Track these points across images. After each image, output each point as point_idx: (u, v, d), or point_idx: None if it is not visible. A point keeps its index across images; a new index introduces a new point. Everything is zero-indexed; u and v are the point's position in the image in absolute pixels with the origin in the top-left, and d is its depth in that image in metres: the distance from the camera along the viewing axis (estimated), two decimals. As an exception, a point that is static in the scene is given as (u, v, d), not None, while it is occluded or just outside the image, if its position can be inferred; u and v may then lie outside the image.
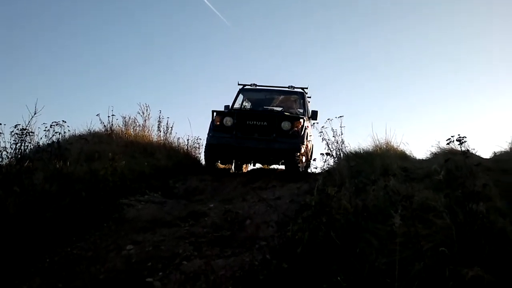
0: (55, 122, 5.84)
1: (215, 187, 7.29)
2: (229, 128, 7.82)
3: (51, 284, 4.00)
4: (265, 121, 7.76)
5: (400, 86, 25.49)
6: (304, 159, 7.84)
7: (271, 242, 4.41)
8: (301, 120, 7.79)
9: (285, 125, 7.68)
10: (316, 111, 9.29)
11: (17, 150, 5.40)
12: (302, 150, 7.62)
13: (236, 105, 9.39)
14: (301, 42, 26.51)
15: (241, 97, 9.68)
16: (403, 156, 6.28)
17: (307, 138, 8.11)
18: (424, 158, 6.10)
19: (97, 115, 9.44)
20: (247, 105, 9.75)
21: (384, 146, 6.50)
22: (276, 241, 4.35)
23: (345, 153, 6.47)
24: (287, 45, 26.70)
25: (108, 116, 9.34)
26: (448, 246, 3.35)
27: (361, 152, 6.55)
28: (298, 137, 7.66)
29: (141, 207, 5.86)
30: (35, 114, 5.79)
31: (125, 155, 7.41)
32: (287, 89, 9.67)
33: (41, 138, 5.87)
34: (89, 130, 8.91)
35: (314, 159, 6.38)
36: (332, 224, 3.61)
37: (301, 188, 6.52)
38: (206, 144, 8.04)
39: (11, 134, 5.37)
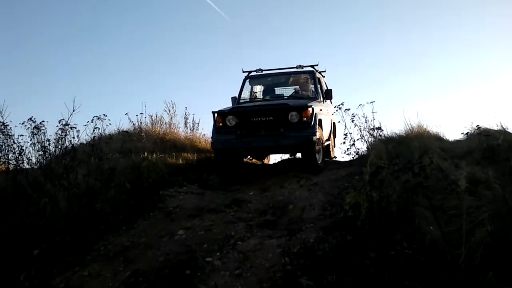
0: (96, 116, 5.99)
1: (249, 178, 7.36)
2: (233, 128, 7.08)
3: (110, 269, 4.12)
4: (270, 116, 6.94)
5: (422, 63, 24.57)
6: (319, 148, 7.22)
7: (320, 223, 4.48)
8: (310, 109, 6.94)
9: (293, 117, 6.88)
10: (330, 90, 8.71)
11: (62, 145, 5.55)
12: (315, 140, 6.89)
13: (243, 95, 8.83)
14: (306, 26, 25.97)
15: (247, 85, 9.07)
16: (438, 138, 6.32)
17: (320, 125, 7.39)
18: (459, 139, 6.13)
19: (126, 114, 9.58)
20: (257, 92, 9.17)
21: (417, 129, 6.54)
22: (325, 222, 4.42)
23: (379, 138, 6.49)
24: (293, 31, 26.21)
25: (136, 115, 9.47)
26: (503, 216, 3.45)
27: (395, 136, 6.59)
28: (309, 127, 6.87)
29: (182, 197, 5.97)
30: (73, 111, 5.95)
31: (158, 151, 7.55)
32: (295, 69, 8.88)
33: (82, 132, 6.01)
34: (118, 129, 9.06)
35: (342, 142, 6.35)
36: (386, 199, 3.69)
37: (338, 173, 6.58)
38: (212, 148, 7.52)
39: (56, 128, 5.53)
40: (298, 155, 7.95)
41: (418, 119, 6.73)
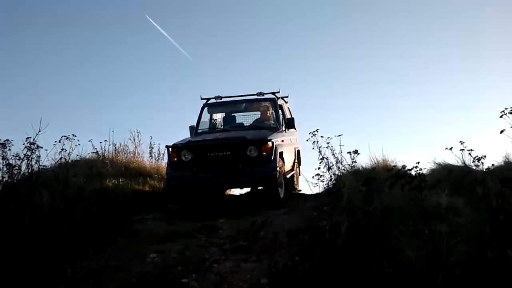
0: (64, 136, 5.84)
1: (216, 208, 7.31)
2: (188, 163, 6.75)
3: (80, 290, 3.96)
4: (227, 151, 6.63)
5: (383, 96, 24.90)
6: (281, 181, 6.99)
7: (295, 247, 4.49)
8: (269, 143, 6.64)
9: (252, 151, 6.60)
10: (292, 119, 8.53)
11: (28, 164, 5.37)
12: (277, 175, 6.64)
13: (202, 126, 8.51)
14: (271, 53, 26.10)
15: (206, 114, 8.75)
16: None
17: (281, 157, 7.14)
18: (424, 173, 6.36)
19: (89, 140, 9.39)
20: (217, 120, 8.85)
21: (382, 163, 6.74)
22: (300, 246, 4.44)
23: (346, 170, 6.65)
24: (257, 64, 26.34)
25: (100, 142, 9.31)
26: (476, 238, 3.59)
27: (361, 169, 6.76)
28: (270, 162, 6.59)
29: (150, 223, 5.89)
30: (39, 131, 5.79)
31: (124, 177, 7.44)
32: (256, 96, 8.61)
33: (50, 151, 5.82)
34: (80, 155, 8.85)
35: (315, 174, 6.38)
36: (358, 224, 3.77)
37: (306, 205, 6.66)
38: (166, 184, 7.25)
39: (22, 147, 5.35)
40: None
41: (383, 154, 6.95)
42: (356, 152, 6.17)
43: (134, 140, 9.95)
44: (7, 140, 5.29)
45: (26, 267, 4.30)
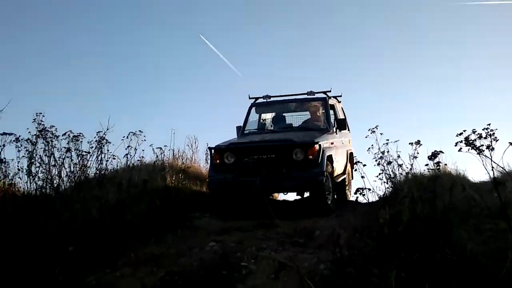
0: (132, 132, 6.14)
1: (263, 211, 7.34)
2: (231, 166, 6.49)
3: (144, 271, 4.14)
4: (272, 153, 6.33)
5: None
6: (329, 186, 6.66)
7: (352, 243, 4.49)
8: (316, 146, 6.28)
9: (298, 154, 6.26)
10: (344, 119, 8.12)
11: (98, 158, 5.70)
12: (324, 180, 6.31)
13: (249, 126, 8.20)
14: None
15: (253, 113, 8.42)
16: (464, 177, 6.39)
17: (330, 160, 6.79)
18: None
19: (150, 145, 9.73)
20: (266, 120, 8.59)
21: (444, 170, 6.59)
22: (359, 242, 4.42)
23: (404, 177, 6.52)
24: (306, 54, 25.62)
25: (160, 148, 9.63)
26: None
27: (419, 176, 6.65)
28: (316, 166, 6.22)
29: (207, 220, 6.03)
30: (107, 129, 6.12)
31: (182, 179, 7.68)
32: (306, 96, 8.21)
33: (118, 147, 6.13)
34: (139, 161, 9.19)
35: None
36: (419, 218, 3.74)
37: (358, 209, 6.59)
38: (208, 187, 7.08)
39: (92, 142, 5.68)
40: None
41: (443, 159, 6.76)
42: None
43: (191, 146, 10.21)
44: (80, 133, 5.63)
45: (92, 251, 4.55)
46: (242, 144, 6.82)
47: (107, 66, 21.15)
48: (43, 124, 5.40)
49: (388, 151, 5.03)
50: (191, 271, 3.91)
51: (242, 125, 8.16)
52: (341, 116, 8.51)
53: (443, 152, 3.26)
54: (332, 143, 7.14)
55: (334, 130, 7.65)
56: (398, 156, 5.12)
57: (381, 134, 5.57)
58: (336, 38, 24.98)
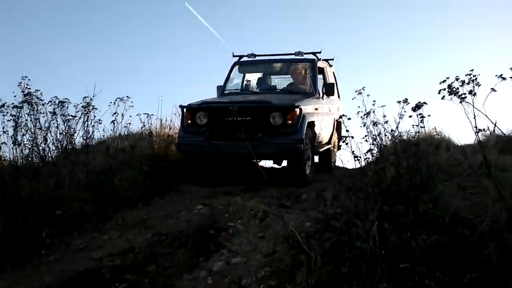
0: (119, 97, 6.05)
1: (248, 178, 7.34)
2: (203, 128, 5.92)
3: (131, 233, 4.17)
4: (247, 116, 5.68)
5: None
6: (309, 155, 6.11)
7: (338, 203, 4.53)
8: (297, 109, 5.70)
9: (275, 118, 5.69)
10: (332, 84, 7.33)
11: (85, 123, 5.65)
12: (303, 148, 5.68)
13: (232, 86, 7.55)
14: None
15: (236, 73, 7.74)
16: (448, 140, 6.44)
17: (311, 127, 6.22)
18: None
19: (137, 114, 9.64)
20: (251, 81, 7.80)
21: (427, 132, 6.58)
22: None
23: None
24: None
25: (146, 114, 9.54)
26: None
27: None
28: (295, 132, 5.64)
29: (194, 186, 6.03)
30: (93, 96, 6.04)
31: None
32: (294, 56, 7.46)
33: (105, 113, 6.05)
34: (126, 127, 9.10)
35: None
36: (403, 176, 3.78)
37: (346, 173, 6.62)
38: (176, 149, 6.48)
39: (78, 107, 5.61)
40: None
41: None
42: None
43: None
44: (66, 99, 5.54)
45: (80, 216, 4.56)
46: (216, 103, 6.28)
47: (94, 34, 20.46)
48: (29, 88, 5.30)
49: (373, 111, 4.83)
50: (179, 231, 3.94)
51: (223, 84, 7.55)
52: (331, 81, 7.86)
53: (426, 104, 3.25)
54: (316, 109, 6.59)
55: (321, 96, 7.06)
56: (384, 116, 4.90)
57: (368, 95, 5.05)
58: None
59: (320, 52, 7.49)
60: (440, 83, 2.97)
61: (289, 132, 5.65)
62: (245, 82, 7.79)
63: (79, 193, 4.84)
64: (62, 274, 3.50)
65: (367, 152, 3.45)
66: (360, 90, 4.71)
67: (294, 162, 5.87)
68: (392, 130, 4.37)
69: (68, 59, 19.23)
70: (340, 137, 7.89)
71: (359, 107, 4.38)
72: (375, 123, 4.61)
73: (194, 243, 3.68)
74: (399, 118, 4.52)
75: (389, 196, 3.25)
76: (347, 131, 3.53)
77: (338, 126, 8.06)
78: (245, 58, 7.74)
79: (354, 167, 4.60)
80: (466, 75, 2.84)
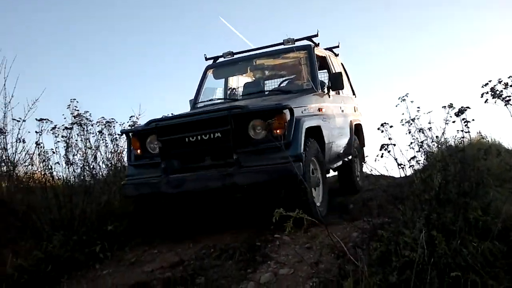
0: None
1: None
2: (157, 157, 4.40)
3: (181, 246, 4.26)
4: (216, 131, 4.12)
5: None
6: (316, 177, 4.60)
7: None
8: (286, 112, 4.08)
9: (256, 129, 4.13)
10: (338, 74, 5.55)
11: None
12: (302, 169, 3.87)
13: (206, 95, 6.08)
14: None
15: (210, 79, 6.19)
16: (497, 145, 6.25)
17: (316, 136, 4.66)
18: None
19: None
20: (235, 89, 6.34)
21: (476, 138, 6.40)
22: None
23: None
24: None
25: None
26: None
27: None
28: (288, 147, 3.95)
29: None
30: (139, 115, 6.27)
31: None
32: (283, 46, 5.74)
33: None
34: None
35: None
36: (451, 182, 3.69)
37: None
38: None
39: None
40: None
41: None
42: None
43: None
44: (113, 119, 5.78)
45: (130, 231, 4.69)
46: (169, 120, 4.51)
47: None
48: (78, 110, 5.57)
49: (418, 118, 4.60)
50: (226, 244, 4.00)
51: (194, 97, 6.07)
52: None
53: (469, 108, 3.17)
54: (320, 110, 4.99)
55: (325, 91, 5.45)
56: (430, 123, 4.67)
57: (411, 102, 4.46)
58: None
59: (316, 35, 5.71)
60: (482, 87, 2.91)
61: (278, 147, 3.73)
62: (229, 89, 6.33)
63: (129, 210, 5.01)
64: (116, 287, 3.61)
65: (411, 159, 3.34)
66: (403, 96, 4.54)
67: (293, 191, 3.97)
68: (437, 137, 4.26)
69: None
70: (362, 144, 6.88)
71: (403, 114, 4.31)
72: (420, 130, 4.53)
73: (241, 255, 3.72)
74: (445, 123, 4.45)
75: (437, 203, 3.19)
76: (389, 139, 3.40)
77: (357, 130, 6.69)
78: (221, 60, 6.23)
79: (400, 176, 4.02)
80: (509, 77, 2.77)
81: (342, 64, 6.83)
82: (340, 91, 6.09)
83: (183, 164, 4.39)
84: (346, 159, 5.89)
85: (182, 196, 4.47)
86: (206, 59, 6.25)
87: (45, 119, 4.92)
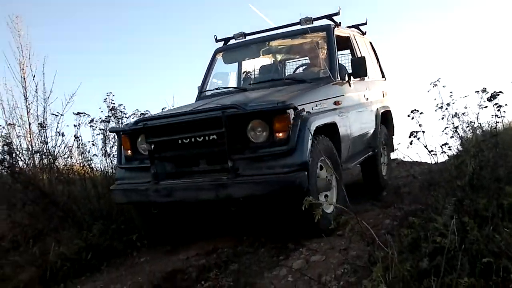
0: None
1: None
2: (146, 160, 3.95)
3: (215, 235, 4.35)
4: (210, 133, 3.67)
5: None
6: (327, 183, 3.95)
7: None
8: (289, 113, 3.53)
9: (256, 132, 3.62)
10: (361, 59, 4.84)
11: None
12: (306, 178, 3.43)
13: (215, 82, 5.54)
14: None
15: (220, 63, 5.60)
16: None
17: (333, 132, 4.17)
18: None
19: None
20: (250, 73, 5.71)
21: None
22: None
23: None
24: None
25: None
26: None
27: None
28: (291, 153, 3.46)
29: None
30: (173, 106, 6.38)
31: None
32: (300, 26, 5.03)
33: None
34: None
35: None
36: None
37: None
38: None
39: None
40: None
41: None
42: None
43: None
44: (147, 111, 5.90)
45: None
46: (159, 119, 4.00)
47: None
48: (114, 103, 5.73)
49: (453, 103, 4.40)
50: (258, 232, 4.08)
51: (204, 82, 5.53)
52: (364, 55, 5.35)
53: (502, 93, 3.09)
54: (337, 103, 4.44)
55: (346, 80, 4.84)
56: (465, 108, 4.48)
57: (444, 86, 4.22)
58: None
59: (337, 14, 5.06)
60: (515, 71, 2.84)
61: (282, 153, 3.43)
62: (244, 75, 5.72)
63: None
64: (153, 274, 3.74)
65: (443, 145, 3.30)
66: (435, 82, 4.28)
67: (295, 203, 3.11)
68: (471, 122, 4.17)
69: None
70: (392, 133, 6.21)
71: (435, 99, 4.19)
72: (455, 115, 4.44)
73: (274, 242, 3.79)
74: (479, 108, 4.34)
75: (470, 190, 3.16)
76: (420, 125, 3.30)
77: (386, 118, 6.02)
78: (232, 42, 5.63)
79: (435, 162, 3.87)
80: (541, 60, 2.69)
81: (370, 43, 6.20)
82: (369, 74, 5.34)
83: (177, 167, 3.94)
84: (369, 154, 5.23)
85: (175, 205, 4.09)
86: (217, 40, 5.67)
87: (82, 113, 5.09)
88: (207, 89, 5.42)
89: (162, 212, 4.12)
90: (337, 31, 5.07)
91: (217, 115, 3.56)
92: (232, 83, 5.73)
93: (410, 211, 3.59)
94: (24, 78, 7.87)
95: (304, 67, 5.51)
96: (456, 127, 4.30)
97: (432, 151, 3.28)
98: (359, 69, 4.73)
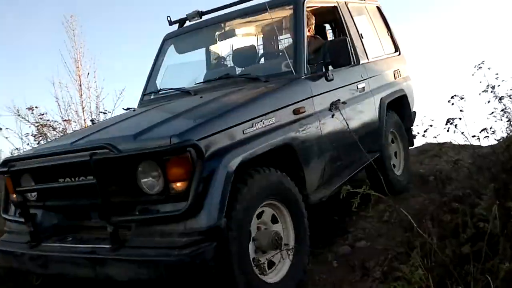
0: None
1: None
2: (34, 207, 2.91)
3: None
4: (83, 179, 2.56)
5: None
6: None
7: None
8: (191, 152, 2.26)
9: (149, 176, 2.38)
10: (340, 43, 3.52)
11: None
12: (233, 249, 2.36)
13: (160, 79, 4.31)
14: None
15: (172, 53, 4.38)
16: None
17: (303, 166, 3.10)
18: None
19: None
20: (219, 59, 4.47)
21: None
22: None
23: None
24: None
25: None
26: None
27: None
28: (193, 215, 2.26)
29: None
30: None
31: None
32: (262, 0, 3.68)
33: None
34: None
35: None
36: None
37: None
38: None
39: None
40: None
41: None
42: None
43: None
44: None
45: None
46: (24, 160, 2.92)
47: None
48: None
49: (498, 85, 4.12)
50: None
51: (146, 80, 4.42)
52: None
53: (542, 76, 3.01)
54: (297, 111, 3.19)
55: (322, 72, 3.53)
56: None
57: (488, 68, 3.74)
58: None
59: None
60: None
61: (176, 214, 2.28)
62: (214, 61, 4.47)
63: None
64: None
65: (482, 131, 3.26)
66: (480, 64, 3.71)
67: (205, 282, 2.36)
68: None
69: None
70: (410, 121, 4.92)
71: (480, 82, 3.98)
72: (501, 98, 4.31)
73: (319, 229, 3.89)
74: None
75: (515, 174, 3.13)
76: (461, 110, 3.12)
77: (400, 105, 4.75)
78: (187, 23, 4.35)
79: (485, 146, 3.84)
80: None
81: (378, 8, 4.82)
82: (368, 53, 4.24)
83: (67, 219, 2.91)
84: (370, 160, 3.38)
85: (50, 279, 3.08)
86: (170, 23, 4.37)
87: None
88: (148, 91, 4.25)
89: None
90: (314, 1, 3.84)
91: (85, 159, 2.43)
92: (200, 77, 4.22)
93: (453, 196, 3.59)
94: (79, 76, 8.24)
95: (262, 54, 4.28)
96: (504, 110, 4.13)
97: (474, 135, 3.24)
98: (338, 56, 3.41)
